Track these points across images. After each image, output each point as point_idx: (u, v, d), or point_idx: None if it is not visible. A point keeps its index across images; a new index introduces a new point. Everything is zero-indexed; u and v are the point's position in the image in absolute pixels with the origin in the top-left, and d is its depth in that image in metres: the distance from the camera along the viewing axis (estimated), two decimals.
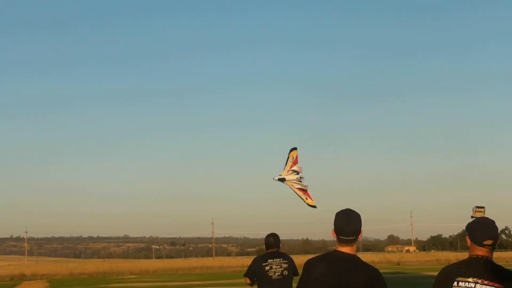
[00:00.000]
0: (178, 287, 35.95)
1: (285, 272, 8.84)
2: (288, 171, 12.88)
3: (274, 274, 8.79)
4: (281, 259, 8.95)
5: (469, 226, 4.69)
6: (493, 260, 4.52)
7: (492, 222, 4.67)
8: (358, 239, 4.56)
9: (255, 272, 8.97)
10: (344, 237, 4.49)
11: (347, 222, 4.52)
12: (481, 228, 4.61)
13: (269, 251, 9.07)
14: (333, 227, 4.57)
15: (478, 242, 4.55)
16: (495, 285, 4.34)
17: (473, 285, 4.40)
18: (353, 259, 4.50)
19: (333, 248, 4.68)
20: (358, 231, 4.53)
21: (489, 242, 4.51)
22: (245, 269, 9.55)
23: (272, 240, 9.14)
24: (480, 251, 4.52)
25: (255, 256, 9.55)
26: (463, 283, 4.44)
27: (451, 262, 5.00)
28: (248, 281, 9.09)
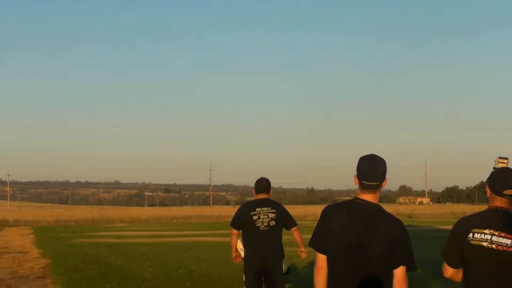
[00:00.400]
0: (172, 237, 36.39)
1: (272, 223, 8.70)
2: None
3: (262, 225, 8.68)
4: (269, 208, 8.78)
5: (490, 176, 4.73)
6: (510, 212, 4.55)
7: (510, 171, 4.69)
8: (382, 187, 4.56)
9: (242, 221, 8.83)
10: (367, 182, 4.48)
11: (372, 166, 4.51)
12: (502, 178, 4.65)
13: (258, 197, 8.92)
14: (355, 173, 4.55)
15: (498, 192, 4.59)
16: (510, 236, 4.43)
17: (489, 236, 4.47)
18: (376, 208, 4.53)
19: (353, 196, 4.66)
20: (383, 176, 4.52)
21: (509, 192, 4.54)
22: None
23: (264, 183, 8.97)
24: (499, 202, 4.58)
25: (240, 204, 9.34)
26: (479, 234, 4.51)
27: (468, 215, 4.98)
28: (234, 231, 8.99)
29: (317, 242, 4.55)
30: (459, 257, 4.63)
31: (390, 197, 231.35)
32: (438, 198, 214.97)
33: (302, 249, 9.11)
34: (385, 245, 4.39)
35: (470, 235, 4.55)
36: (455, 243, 4.66)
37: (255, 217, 8.65)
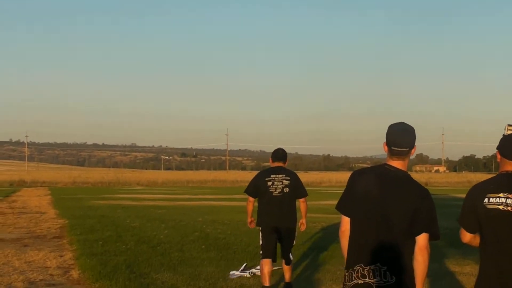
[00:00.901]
0: (188, 200, 36.58)
1: (286, 189, 9.04)
2: None
3: (275, 191, 9.03)
4: (284, 175, 9.14)
5: (500, 142, 4.83)
6: None
7: None
8: (411, 154, 4.59)
9: (257, 187, 9.21)
10: (396, 149, 4.54)
11: (402, 132, 4.58)
12: (511, 143, 4.78)
13: (274, 165, 9.30)
14: (384, 140, 4.61)
15: (508, 157, 4.71)
16: None
17: (504, 200, 4.58)
18: (403, 174, 4.59)
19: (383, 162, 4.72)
20: (412, 143, 4.57)
21: None
22: None
23: (281, 152, 9.39)
24: (510, 166, 4.70)
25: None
26: (494, 198, 4.61)
27: None
28: (250, 198, 9.33)
29: (343, 206, 4.64)
30: (476, 222, 4.71)
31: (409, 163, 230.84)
32: (455, 166, 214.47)
33: (303, 221, 9.54)
34: (409, 212, 4.43)
35: (486, 200, 4.63)
36: (471, 209, 4.73)
37: (269, 183, 9.01)
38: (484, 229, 4.68)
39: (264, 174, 9.30)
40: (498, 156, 4.82)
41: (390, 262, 4.39)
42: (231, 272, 10.57)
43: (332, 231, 17.38)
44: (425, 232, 4.45)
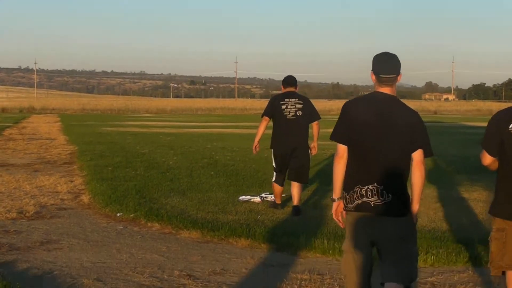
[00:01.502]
0: (197, 128, 36.68)
1: (299, 113, 9.50)
2: None
3: (289, 114, 9.49)
4: (297, 99, 9.59)
5: None
6: None
7: None
8: (398, 81, 4.86)
9: (273, 110, 9.66)
10: (384, 76, 4.79)
11: (387, 60, 4.85)
12: None
13: (286, 90, 9.72)
14: (371, 70, 4.86)
15: None
16: None
17: None
18: (394, 99, 4.87)
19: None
20: (398, 69, 4.83)
21: None
22: None
23: (292, 77, 9.88)
24: None
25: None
26: None
27: (493, 113, 5.29)
28: (266, 118, 9.78)
29: (338, 134, 4.89)
30: (498, 146, 4.90)
31: (415, 93, 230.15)
32: (464, 95, 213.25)
33: (315, 144, 9.93)
34: (405, 132, 4.75)
35: (511, 125, 4.81)
36: (495, 133, 4.93)
37: (283, 106, 9.48)
38: (505, 154, 4.87)
39: (279, 98, 9.74)
40: None
41: (386, 182, 4.72)
42: (240, 197, 10.66)
43: None
44: (420, 148, 4.78)
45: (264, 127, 9.83)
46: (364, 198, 4.74)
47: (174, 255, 7.24)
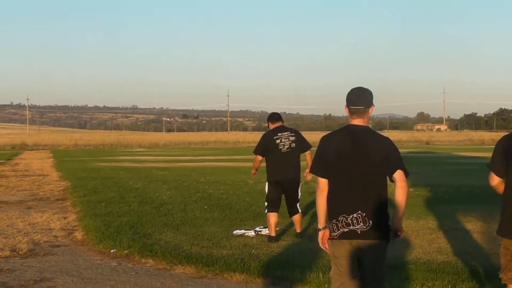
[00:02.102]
0: (190, 161, 36.67)
1: (293, 145, 10.04)
2: None
3: (283, 147, 10.01)
4: (289, 132, 10.16)
5: None
6: None
7: None
8: (369, 113, 5.16)
9: (267, 147, 10.11)
10: (354, 107, 5.11)
11: (358, 94, 5.17)
12: None
13: (276, 125, 10.24)
14: (345, 104, 5.21)
15: None
16: None
17: None
18: (366, 129, 5.17)
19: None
20: (367, 102, 5.14)
21: None
22: None
23: (277, 113, 10.53)
24: None
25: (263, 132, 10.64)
26: None
27: (485, 143, 5.85)
28: (259, 158, 10.29)
29: (318, 168, 5.18)
30: (505, 167, 5.26)
31: (407, 124, 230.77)
32: (456, 125, 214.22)
33: (308, 171, 9.83)
34: (382, 158, 5.04)
35: None
36: (502, 156, 5.29)
37: (277, 141, 9.99)
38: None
39: (271, 133, 10.16)
40: None
41: (369, 209, 4.99)
42: (234, 231, 10.64)
43: None
44: (399, 169, 5.06)
45: (259, 163, 10.36)
46: (351, 227, 4.99)
47: None
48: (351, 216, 4.98)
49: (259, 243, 9.77)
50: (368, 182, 5.01)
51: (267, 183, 10.29)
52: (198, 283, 7.58)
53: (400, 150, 5.26)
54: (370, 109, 5.15)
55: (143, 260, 8.79)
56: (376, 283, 5.08)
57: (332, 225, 5.06)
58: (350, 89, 5.21)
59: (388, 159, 5.06)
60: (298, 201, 10.28)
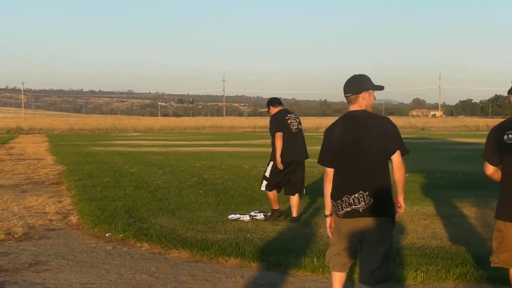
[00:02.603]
0: (185, 146, 36.65)
1: (299, 126, 10.49)
2: None
3: (293, 128, 10.35)
4: (294, 115, 10.57)
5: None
6: None
7: None
8: (363, 99, 5.38)
9: (282, 126, 10.33)
10: (345, 95, 5.45)
11: (347, 82, 5.46)
12: None
13: (280, 108, 10.57)
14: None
15: None
16: None
17: None
18: (364, 113, 5.41)
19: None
20: (356, 88, 5.39)
21: None
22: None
23: (278, 99, 10.85)
24: None
25: (272, 114, 10.69)
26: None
27: (480, 129, 6.17)
28: (280, 134, 10.28)
29: (324, 159, 5.52)
30: (498, 156, 5.44)
31: (403, 110, 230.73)
32: (452, 111, 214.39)
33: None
34: (382, 138, 5.30)
35: (505, 136, 5.37)
36: (493, 145, 5.49)
37: (288, 121, 10.32)
38: (505, 163, 5.41)
39: (282, 114, 10.46)
40: None
41: (370, 188, 5.26)
42: (230, 216, 10.65)
43: None
44: (398, 149, 5.33)
45: (281, 141, 10.27)
46: (353, 206, 5.28)
47: (163, 275, 7.22)
48: (353, 196, 5.27)
49: (254, 228, 9.79)
50: (369, 164, 5.29)
51: (272, 164, 10.43)
52: (193, 267, 7.59)
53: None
54: (362, 95, 5.37)
55: (138, 244, 8.80)
56: (375, 260, 5.28)
57: (337, 205, 5.37)
58: (345, 82, 5.48)
59: (387, 141, 5.31)
60: (304, 181, 10.66)
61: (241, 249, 8.08)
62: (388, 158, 5.34)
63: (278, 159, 10.22)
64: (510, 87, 5.57)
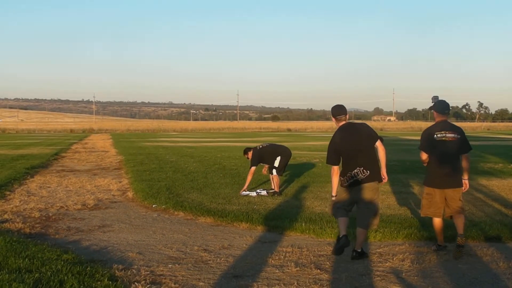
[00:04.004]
0: (210, 142, 36.66)
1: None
2: None
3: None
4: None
5: (434, 104, 6.27)
6: (450, 121, 6.26)
7: (445, 101, 6.22)
8: (347, 117, 6.15)
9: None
10: (339, 116, 6.11)
11: (338, 108, 6.13)
12: (440, 103, 6.22)
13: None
14: (332, 116, 6.19)
15: (441, 112, 6.20)
16: (454, 133, 6.08)
17: (444, 134, 6.07)
18: (351, 124, 6.19)
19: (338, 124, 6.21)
20: (345, 112, 6.12)
21: (447, 112, 6.22)
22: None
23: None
24: (442, 117, 6.19)
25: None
26: (439, 134, 6.10)
27: (423, 129, 6.53)
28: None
29: (331, 159, 6.05)
30: (429, 147, 6.13)
31: (366, 116, 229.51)
32: (402, 116, 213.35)
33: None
34: (366, 135, 6.04)
35: (435, 135, 6.10)
36: (427, 140, 6.17)
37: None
38: (434, 150, 6.09)
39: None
40: (435, 113, 6.20)
41: (364, 164, 5.92)
42: (241, 192, 10.65)
43: (311, 165, 17.47)
44: (378, 138, 6.07)
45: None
46: (355, 178, 5.92)
47: (194, 235, 7.23)
48: (354, 171, 5.91)
49: (259, 201, 9.79)
50: (363, 150, 5.95)
51: (280, 159, 10.71)
52: (215, 229, 7.60)
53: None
54: (347, 115, 6.18)
55: (175, 213, 8.82)
56: (369, 210, 5.90)
57: (344, 179, 5.98)
58: (332, 106, 6.11)
59: (370, 135, 6.05)
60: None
61: (250, 217, 8.09)
62: (372, 146, 5.98)
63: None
64: (430, 105, 6.27)
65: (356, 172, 5.88)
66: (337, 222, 6.08)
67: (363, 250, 5.91)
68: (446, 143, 6.00)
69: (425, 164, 6.25)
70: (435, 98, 6.32)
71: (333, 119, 6.13)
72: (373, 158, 5.99)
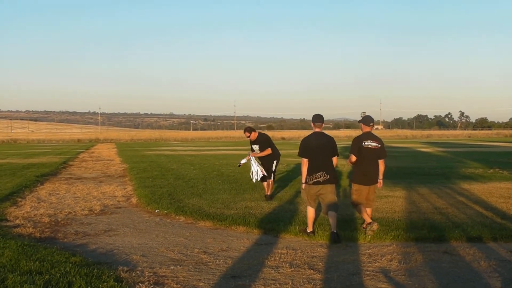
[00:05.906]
0: (209, 150, 36.65)
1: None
2: None
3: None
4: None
5: (362, 119, 7.26)
6: (372, 133, 7.21)
7: (370, 116, 7.19)
8: (323, 125, 6.98)
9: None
10: (317, 123, 6.99)
11: (318, 117, 7.01)
12: (366, 118, 7.20)
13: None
14: (311, 121, 6.99)
15: (367, 125, 7.17)
16: (377, 143, 7.14)
17: (370, 142, 7.12)
18: (322, 133, 7.05)
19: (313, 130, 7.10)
20: (323, 120, 7.01)
21: (372, 124, 7.21)
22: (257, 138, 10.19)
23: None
24: (368, 129, 7.18)
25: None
26: (367, 142, 7.14)
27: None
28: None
29: (303, 154, 7.00)
30: (358, 152, 7.13)
31: (356, 124, 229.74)
32: (389, 125, 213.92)
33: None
34: (330, 146, 6.95)
35: (363, 143, 7.13)
36: (357, 147, 7.13)
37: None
38: (361, 155, 7.12)
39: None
40: (362, 126, 7.16)
41: (326, 169, 6.89)
42: (241, 161, 11.15)
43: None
44: (335, 154, 7.00)
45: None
46: (318, 179, 6.88)
47: (194, 238, 7.21)
48: (317, 173, 6.86)
49: (256, 206, 9.78)
50: (325, 157, 6.89)
51: (275, 162, 10.69)
52: (214, 232, 7.59)
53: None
54: (323, 124, 7.00)
55: (177, 217, 8.80)
56: (332, 207, 6.83)
57: (310, 178, 6.88)
58: (314, 114, 6.96)
59: (333, 148, 6.97)
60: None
61: (247, 220, 8.08)
62: (332, 157, 6.92)
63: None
64: (359, 119, 7.23)
65: (319, 175, 6.85)
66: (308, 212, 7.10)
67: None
68: (371, 150, 7.11)
69: (351, 164, 7.28)
70: (363, 113, 6.92)
71: (312, 124, 6.99)
72: (332, 165, 6.96)
